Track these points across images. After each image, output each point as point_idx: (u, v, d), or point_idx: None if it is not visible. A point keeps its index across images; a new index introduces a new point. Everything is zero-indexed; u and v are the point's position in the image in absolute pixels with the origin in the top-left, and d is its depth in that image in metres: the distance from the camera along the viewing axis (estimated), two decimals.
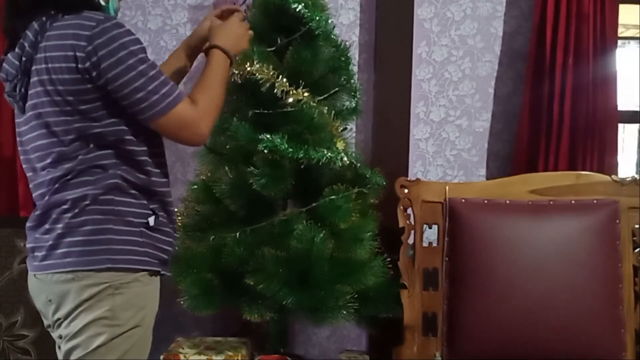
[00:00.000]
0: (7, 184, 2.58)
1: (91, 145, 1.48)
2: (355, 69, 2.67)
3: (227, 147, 2.27)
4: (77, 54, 1.41)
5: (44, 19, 1.47)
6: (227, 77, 1.66)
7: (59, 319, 1.51)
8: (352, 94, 2.39)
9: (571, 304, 2.17)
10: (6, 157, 2.57)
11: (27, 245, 1.57)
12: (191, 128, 1.50)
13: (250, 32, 1.76)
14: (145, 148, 1.53)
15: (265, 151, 2.15)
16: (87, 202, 1.47)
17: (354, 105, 2.40)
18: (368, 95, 2.63)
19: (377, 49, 2.65)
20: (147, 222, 1.53)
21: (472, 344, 2.22)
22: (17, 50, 1.49)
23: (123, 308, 1.49)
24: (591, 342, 2.18)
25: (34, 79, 1.47)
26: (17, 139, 1.59)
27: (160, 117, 1.47)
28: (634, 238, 2.30)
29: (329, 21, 2.28)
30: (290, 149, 2.16)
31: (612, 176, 2.37)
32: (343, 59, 2.34)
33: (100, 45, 1.41)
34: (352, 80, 2.39)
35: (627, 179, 2.34)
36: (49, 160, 1.50)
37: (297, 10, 2.18)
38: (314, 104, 2.21)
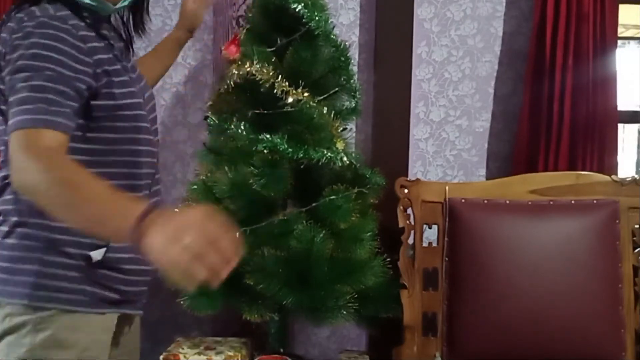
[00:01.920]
0: None
1: None
2: (355, 69, 2.67)
3: (227, 147, 2.27)
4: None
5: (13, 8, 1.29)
6: (86, 221, 1.09)
7: None
8: (352, 94, 2.39)
9: (571, 304, 2.17)
10: None
11: None
12: (13, 162, 1.13)
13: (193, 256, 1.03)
14: (93, 158, 1.27)
15: (265, 151, 2.15)
16: (18, 219, 1.24)
17: (353, 105, 2.40)
18: (368, 95, 2.63)
19: (377, 49, 2.65)
20: (89, 257, 1.25)
21: (472, 344, 2.22)
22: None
23: (45, 347, 1.23)
24: (591, 342, 2.18)
25: None
26: None
27: (16, 130, 1.13)
28: (634, 238, 2.30)
29: (329, 21, 2.28)
30: (290, 149, 2.16)
31: (612, 176, 2.37)
32: (343, 59, 2.33)
33: (12, 41, 1.21)
34: (352, 80, 2.39)
35: (627, 179, 2.34)
36: None
37: (297, 10, 2.18)
38: (314, 104, 2.20)
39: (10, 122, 1.14)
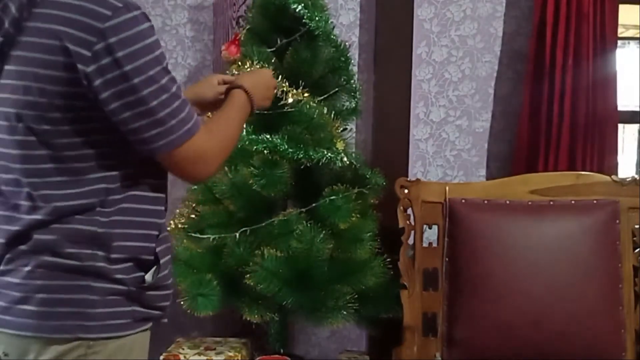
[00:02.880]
0: None
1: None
2: (355, 69, 2.66)
3: None
4: (80, 50, 1.08)
5: None
6: (244, 122, 1.40)
7: None
8: (352, 94, 2.39)
9: (571, 304, 2.17)
10: None
11: None
12: (205, 162, 1.22)
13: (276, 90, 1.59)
14: (148, 176, 1.23)
15: (265, 151, 2.15)
16: (58, 250, 1.16)
17: (353, 105, 2.41)
18: (368, 95, 2.63)
19: (377, 50, 2.65)
20: (141, 280, 1.20)
21: (472, 344, 2.22)
22: None
23: None
24: (591, 342, 2.18)
25: (12, 67, 1.13)
26: None
27: (175, 148, 1.16)
28: (634, 238, 2.30)
29: (329, 21, 2.28)
30: (290, 149, 2.16)
31: (612, 176, 2.37)
32: (343, 59, 2.34)
33: (116, 45, 1.08)
34: (352, 81, 2.39)
35: (627, 179, 2.34)
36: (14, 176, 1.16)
37: (297, 10, 2.18)
38: (314, 104, 2.21)
39: (168, 138, 1.16)
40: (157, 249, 1.23)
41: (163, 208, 1.27)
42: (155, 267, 1.23)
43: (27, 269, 1.16)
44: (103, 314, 1.18)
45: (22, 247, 1.16)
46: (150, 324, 1.26)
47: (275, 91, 1.58)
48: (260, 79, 1.46)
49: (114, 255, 1.17)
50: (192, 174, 1.24)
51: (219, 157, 1.25)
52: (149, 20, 1.12)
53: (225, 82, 1.47)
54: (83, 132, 1.13)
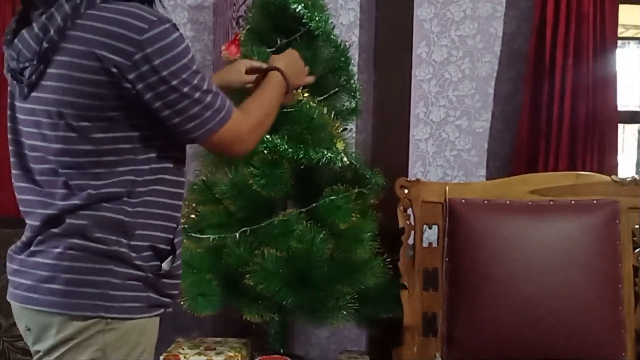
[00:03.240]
0: (7, 183, 2.57)
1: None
2: (355, 69, 2.67)
3: None
4: (120, 59, 1.21)
5: (77, 0, 1.24)
6: (280, 103, 1.54)
7: (37, 352, 1.32)
8: (352, 94, 2.39)
9: (571, 304, 2.17)
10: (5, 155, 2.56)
11: (12, 267, 1.36)
12: (242, 140, 1.38)
13: (307, 68, 1.70)
14: (170, 165, 1.34)
15: (265, 151, 2.15)
16: (87, 234, 1.27)
17: (353, 105, 2.40)
18: (368, 95, 2.63)
19: (377, 50, 2.65)
20: (158, 268, 1.32)
21: (472, 344, 2.22)
22: (36, 30, 1.25)
23: (116, 347, 1.29)
24: (591, 342, 2.18)
25: (54, 70, 1.25)
26: (10, 125, 1.36)
27: (213, 134, 1.32)
28: (634, 238, 2.30)
29: (329, 21, 2.28)
30: (290, 150, 2.16)
31: (612, 176, 2.37)
32: (343, 59, 2.34)
33: (153, 54, 1.22)
34: (352, 81, 2.39)
35: (627, 179, 2.34)
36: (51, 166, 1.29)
37: (297, 10, 2.18)
38: (314, 104, 2.21)
39: (206, 127, 1.31)
40: (175, 240, 1.35)
41: (180, 203, 1.39)
42: (171, 256, 1.34)
43: (58, 250, 1.27)
44: (123, 296, 1.28)
45: (55, 230, 1.28)
46: (161, 311, 1.37)
47: (306, 69, 1.71)
48: (291, 60, 1.63)
49: (135, 243, 1.29)
50: (231, 153, 1.40)
51: (255, 133, 1.41)
52: (178, 30, 1.28)
53: (253, 69, 1.65)
54: (117, 129, 1.26)
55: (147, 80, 1.23)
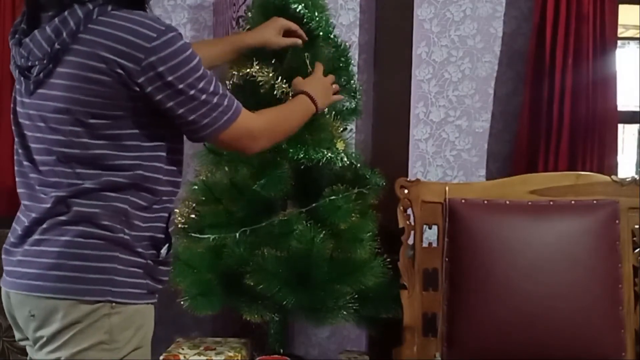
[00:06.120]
0: (8, 183, 2.57)
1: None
2: (355, 69, 2.67)
3: None
4: (129, 64, 1.29)
5: (90, 6, 1.30)
6: (303, 121, 1.71)
7: (41, 337, 1.35)
8: (352, 94, 2.38)
9: (571, 304, 2.17)
10: (7, 154, 2.57)
11: (14, 259, 1.40)
12: (252, 137, 1.49)
13: (335, 86, 1.89)
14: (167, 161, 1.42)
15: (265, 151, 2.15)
16: (94, 221, 1.34)
17: (353, 105, 2.40)
18: (368, 95, 2.63)
19: (377, 50, 2.65)
20: (158, 254, 1.42)
21: (472, 344, 2.22)
22: (49, 32, 1.31)
23: (122, 328, 1.35)
24: (591, 342, 2.18)
25: (63, 69, 1.31)
26: (12, 117, 1.43)
27: (222, 132, 1.42)
28: (634, 238, 2.30)
29: (329, 22, 2.28)
30: (291, 150, 2.16)
31: (612, 176, 2.37)
32: (343, 59, 2.33)
33: (161, 60, 1.31)
34: (352, 81, 2.39)
35: (627, 179, 2.34)
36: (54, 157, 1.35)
37: (297, 10, 2.18)
38: None
39: (215, 126, 1.41)
40: (169, 229, 1.45)
41: (178, 191, 1.49)
42: (167, 244, 1.44)
43: (65, 238, 1.34)
44: (126, 282, 1.36)
45: (62, 217, 1.34)
46: (155, 300, 1.45)
47: (333, 87, 1.88)
48: (317, 81, 1.83)
49: (136, 232, 1.38)
50: (241, 148, 1.52)
51: (267, 131, 1.53)
52: (183, 38, 1.36)
53: (287, 29, 1.97)
54: (123, 126, 1.34)
55: (155, 84, 1.32)
